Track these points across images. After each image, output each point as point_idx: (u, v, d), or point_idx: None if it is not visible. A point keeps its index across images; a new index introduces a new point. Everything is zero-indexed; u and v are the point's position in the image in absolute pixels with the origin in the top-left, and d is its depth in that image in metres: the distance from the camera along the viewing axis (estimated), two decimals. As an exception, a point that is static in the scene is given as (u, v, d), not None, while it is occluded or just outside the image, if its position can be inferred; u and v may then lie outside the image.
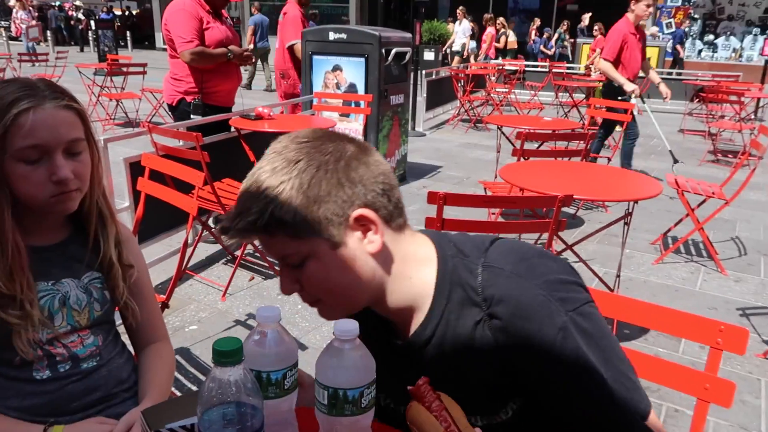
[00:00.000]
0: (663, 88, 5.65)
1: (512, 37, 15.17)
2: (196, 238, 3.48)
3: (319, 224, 0.83)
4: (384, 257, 0.89)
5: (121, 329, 1.36)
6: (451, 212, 2.21)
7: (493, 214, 3.55)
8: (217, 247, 3.81)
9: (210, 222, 3.89)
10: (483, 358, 0.87)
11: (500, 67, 11.31)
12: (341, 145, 0.86)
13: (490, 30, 13.29)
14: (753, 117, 9.52)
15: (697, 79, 11.11)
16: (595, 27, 13.33)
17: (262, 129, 3.76)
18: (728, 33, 17.56)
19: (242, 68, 4.30)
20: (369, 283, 0.89)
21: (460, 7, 14.39)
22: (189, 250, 3.53)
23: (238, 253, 3.45)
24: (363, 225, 0.86)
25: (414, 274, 0.92)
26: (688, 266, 3.92)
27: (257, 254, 3.66)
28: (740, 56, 17.49)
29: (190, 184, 2.52)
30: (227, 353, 0.70)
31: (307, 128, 0.91)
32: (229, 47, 3.87)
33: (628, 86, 5.21)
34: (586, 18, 15.14)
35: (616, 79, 5.25)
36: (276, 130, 3.76)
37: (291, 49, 5.54)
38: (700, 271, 3.85)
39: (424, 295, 0.91)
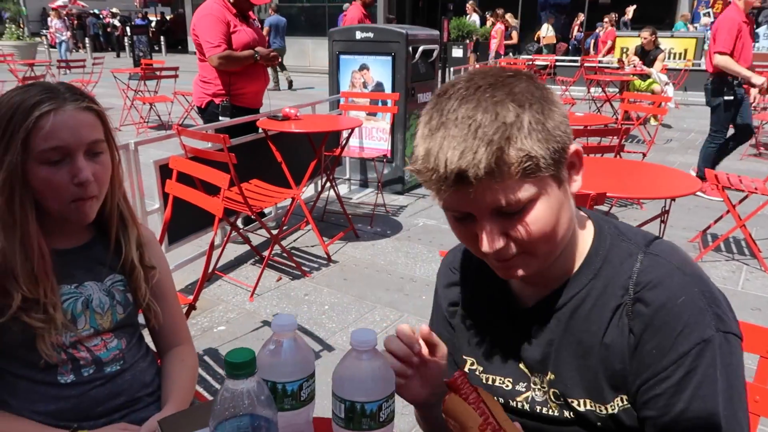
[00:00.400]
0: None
1: (550, 32, 14.93)
2: (225, 238, 3.50)
3: (558, 158, 0.78)
4: (572, 205, 0.86)
5: (146, 332, 1.36)
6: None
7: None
8: (246, 247, 3.82)
9: (239, 222, 3.92)
10: (610, 342, 0.84)
11: (530, 63, 11.15)
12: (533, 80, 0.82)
13: (498, 26, 13.03)
14: (797, 108, 9.15)
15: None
16: (605, 19, 13.04)
17: (289, 129, 3.76)
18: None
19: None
20: (570, 227, 0.85)
21: (470, 2, 14.10)
22: (217, 251, 3.56)
23: (265, 253, 3.45)
24: (572, 162, 0.83)
25: (576, 235, 0.89)
26: (729, 265, 3.77)
27: (284, 254, 3.66)
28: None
29: (217, 186, 2.53)
30: (239, 365, 0.68)
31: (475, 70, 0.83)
32: (256, 49, 3.89)
33: (757, 79, 4.76)
34: (630, 11, 14.82)
35: (740, 72, 4.78)
36: (303, 131, 3.76)
37: None
38: (742, 270, 3.70)
39: (573, 261, 0.89)
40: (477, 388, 0.77)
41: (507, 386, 0.95)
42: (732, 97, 4.87)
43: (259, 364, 0.78)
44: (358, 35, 5.07)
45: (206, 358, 2.67)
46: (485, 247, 0.78)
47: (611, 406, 0.85)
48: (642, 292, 0.82)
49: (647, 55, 8.69)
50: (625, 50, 12.30)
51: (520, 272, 0.83)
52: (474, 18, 14.01)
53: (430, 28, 5.66)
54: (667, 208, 3.05)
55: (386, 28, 5.16)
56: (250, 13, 4.05)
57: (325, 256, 3.81)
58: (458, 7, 19.25)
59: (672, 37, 13.14)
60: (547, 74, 10.50)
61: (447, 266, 1.07)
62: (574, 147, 0.81)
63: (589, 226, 0.91)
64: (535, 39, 15.92)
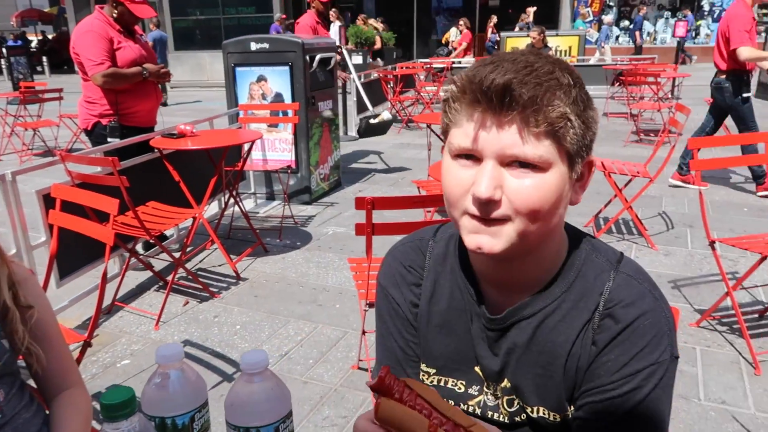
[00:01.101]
0: None
1: (459, 36, 15.31)
2: (123, 266, 3.31)
3: (581, 147, 0.79)
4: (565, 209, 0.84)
5: (30, 378, 1.25)
6: (390, 214, 2.17)
7: (429, 212, 3.55)
8: (148, 274, 3.63)
9: (138, 248, 3.72)
10: (575, 355, 0.85)
11: (428, 66, 11.42)
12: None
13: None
14: (670, 96, 9.97)
15: (616, 64, 11.56)
16: (461, 22, 13.65)
17: (186, 147, 3.61)
18: (642, 18, 18.42)
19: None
20: (556, 227, 0.84)
21: (333, 9, 14.00)
22: (116, 281, 3.37)
23: (169, 278, 3.29)
24: (582, 172, 0.83)
25: (554, 243, 0.88)
26: (620, 245, 4.03)
27: (190, 277, 3.51)
28: (654, 39, 18.37)
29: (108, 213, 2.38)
30: (115, 406, 0.63)
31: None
32: (144, 65, 3.72)
33: None
34: (530, 12, 15.53)
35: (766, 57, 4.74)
36: (200, 147, 3.63)
37: None
38: (632, 248, 3.97)
39: (547, 269, 0.88)
40: (406, 382, 0.70)
41: (459, 389, 0.94)
42: (749, 93, 4.81)
43: (145, 400, 0.73)
44: (253, 46, 4.98)
45: (111, 395, 2.50)
46: (482, 188, 0.75)
47: (566, 415, 0.88)
48: (614, 309, 0.84)
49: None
50: (515, 49, 12.90)
51: (490, 243, 0.78)
52: (336, 26, 13.75)
53: (326, 36, 5.67)
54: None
55: (282, 38, 5.10)
56: (136, 28, 3.87)
57: (234, 274, 3.69)
58: (355, 15, 19.42)
59: (557, 35, 13.94)
60: (445, 76, 10.80)
61: (401, 265, 1.00)
62: (593, 156, 0.83)
63: (564, 236, 0.91)
64: (444, 42, 16.28)
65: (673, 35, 15.29)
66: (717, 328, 2.94)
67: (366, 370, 2.65)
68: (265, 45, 4.97)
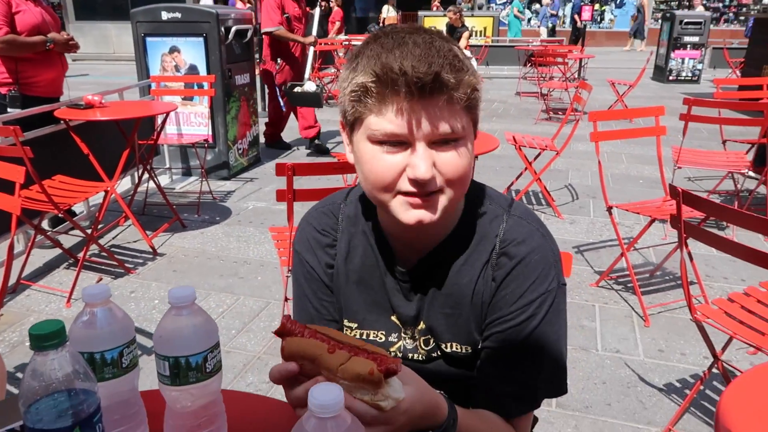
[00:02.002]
0: None
1: (391, 13, 15.26)
2: (29, 244, 3.15)
3: (479, 105, 0.86)
4: None
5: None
6: (310, 186, 2.20)
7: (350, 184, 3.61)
8: (56, 251, 3.47)
9: (44, 225, 3.54)
10: (479, 292, 0.95)
11: (347, 43, 11.37)
12: None
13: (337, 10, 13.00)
14: (576, 76, 10.51)
15: (528, 45, 12.01)
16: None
17: (95, 118, 3.46)
18: (552, 1, 19.11)
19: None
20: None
21: None
22: (21, 259, 3.20)
23: (81, 255, 3.17)
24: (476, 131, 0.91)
25: None
26: (530, 215, 4.26)
27: (103, 254, 3.40)
28: (564, 23, 19.17)
29: (11, 181, 2.27)
30: (46, 336, 0.64)
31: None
32: (49, 35, 3.50)
33: None
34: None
35: None
36: (110, 118, 3.49)
37: (270, 35, 5.44)
38: (541, 218, 4.20)
39: (451, 223, 0.95)
40: (306, 325, 0.77)
41: (380, 339, 1.01)
42: None
43: (73, 338, 0.75)
44: (165, 15, 4.79)
45: (20, 375, 2.41)
46: (421, 172, 0.80)
47: (476, 346, 0.97)
48: (507, 248, 0.94)
49: (454, 32, 9.35)
50: (433, 29, 13.09)
51: (429, 216, 0.85)
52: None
53: (242, 8, 5.53)
54: (473, 167, 3.36)
55: (195, 8, 4.94)
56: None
57: (150, 250, 3.60)
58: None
59: (473, 16, 14.26)
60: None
61: (314, 230, 1.04)
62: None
63: None
64: (380, 22, 16.17)
65: (580, 19, 16.02)
66: (613, 287, 3.20)
67: (289, 337, 2.69)
68: (177, 14, 4.80)
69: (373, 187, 0.86)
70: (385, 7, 15.83)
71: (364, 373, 0.69)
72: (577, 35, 16.48)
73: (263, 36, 5.58)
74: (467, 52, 9.50)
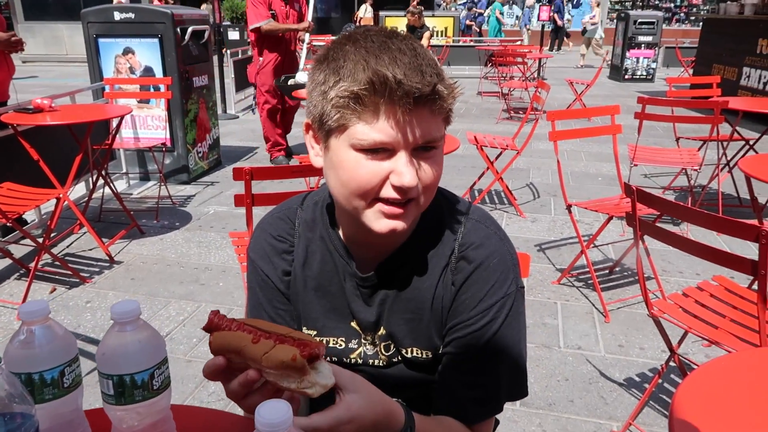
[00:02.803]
0: None
1: (369, 13, 15.10)
2: (-23, 254, 3.02)
3: (451, 114, 0.86)
4: None
5: None
6: (271, 190, 2.17)
7: (312, 187, 3.58)
8: (6, 262, 3.34)
9: (-7, 234, 3.41)
10: (439, 296, 0.94)
11: (308, 44, 11.29)
12: None
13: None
14: (536, 76, 10.68)
15: (488, 45, 12.15)
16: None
17: (44, 122, 3.34)
18: (511, 2, 19.38)
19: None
20: None
21: None
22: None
23: (32, 265, 3.05)
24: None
25: None
26: (493, 214, 4.30)
27: (56, 263, 3.28)
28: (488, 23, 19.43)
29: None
30: (-25, 359, 0.61)
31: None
32: (-10, 33, 3.37)
33: None
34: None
35: None
36: (61, 122, 3.37)
37: (257, 30, 5.16)
38: (503, 217, 4.26)
39: (410, 227, 0.93)
40: (234, 319, 0.76)
41: (341, 345, 0.99)
42: None
43: (9, 358, 0.71)
44: (117, 16, 4.67)
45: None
46: (407, 180, 0.80)
47: (436, 351, 0.96)
48: (466, 251, 0.93)
49: (415, 32, 9.37)
50: (394, 29, 13.12)
51: (401, 224, 0.85)
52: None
53: (198, 9, 5.42)
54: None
55: (149, 8, 4.83)
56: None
57: (107, 257, 3.50)
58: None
59: (433, 16, 14.35)
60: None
61: (269, 236, 1.02)
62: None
63: None
64: (355, 20, 16.04)
65: (539, 19, 16.28)
66: (574, 284, 3.26)
67: (252, 343, 2.64)
68: (131, 15, 4.68)
69: (351, 193, 0.84)
70: (363, 7, 15.70)
71: (287, 359, 0.68)
72: (558, 35, 16.78)
73: (249, 34, 5.35)
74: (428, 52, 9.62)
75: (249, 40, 5.54)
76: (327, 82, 0.81)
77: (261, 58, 5.37)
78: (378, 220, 0.85)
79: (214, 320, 0.75)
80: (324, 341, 1.00)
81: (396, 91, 0.76)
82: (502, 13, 17.50)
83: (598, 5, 14.99)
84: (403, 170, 0.80)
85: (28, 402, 0.66)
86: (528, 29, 17.59)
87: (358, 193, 0.84)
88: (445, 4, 18.01)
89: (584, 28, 14.72)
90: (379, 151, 0.81)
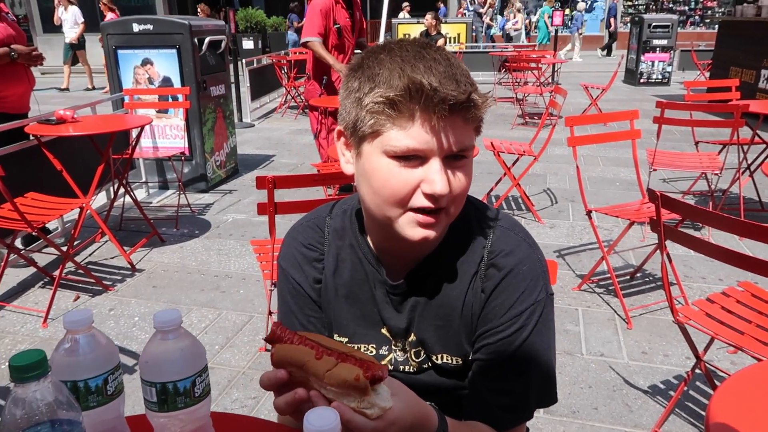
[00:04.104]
0: None
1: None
2: (2, 263, 3.07)
3: (482, 124, 0.86)
4: None
5: None
6: (289, 198, 2.19)
7: (330, 194, 3.59)
8: (30, 270, 3.39)
9: (18, 244, 3.46)
10: (469, 303, 0.94)
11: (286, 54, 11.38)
12: None
13: (110, 15, 10.80)
14: (551, 81, 10.65)
15: (502, 51, 12.14)
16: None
17: (67, 133, 3.39)
18: (524, 8, 19.35)
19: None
20: None
21: None
22: (-5, 278, 3.12)
23: (56, 273, 3.09)
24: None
25: None
26: (510, 220, 4.28)
27: (79, 271, 3.32)
28: (536, 28, 19.41)
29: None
30: (27, 367, 0.62)
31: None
32: (13, 46, 3.44)
33: None
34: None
35: None
36: (83, 133, 3.43)
37: (304, 45, 4.58)
38: (521, 223, 4.23)
39: (439, 235, 0.93)
40: (296, 332, 0.77)
41: (371, 352, 1.00)
42: None
43: (54, 366, 0.72)
44: (136, 28, 4.74)
45: (-4, 398, 2.34)
46: (439, 188, 0.81)
47: (466, 357, 0.97)
48: (496, 259, 0.93)
49: (430, 39, 9.40)
50: (407, 36, 13.18)
51: (432, 233, 0.86)
52: (74, 10, 11.67)
53: (215, 19, 5.48)
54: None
55: (167, 20, 4.89)
56: (2, 5, 3.56)
57: (129, 266, 3.53)
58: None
59: (446, 23, 14.36)
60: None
61: (300, 244, 1.03)
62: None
63: None
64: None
65: (552, 24, 16.26)
66: (595, 290, 3.23)
67: (273, 351, 2.65)
68: (149, 26, 4.74)
69: (384, 201, 0.85)
70: (401, 14, 15.66)
71: (350, 379, 0.68)
72: (611, 40, 16.78)
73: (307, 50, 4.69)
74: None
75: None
76: (362, 89, 0.82)
77: (324, 78, 4.71)
78: (412, 229, 0.86)
79: (276, 332, 0.76)
80: (355, 347, 1.00)
81: (432, 98, 0.77)
82: (550, 17, 17.52)
83: (519, 12, 15.08)
84: (435, 178, 0.81)
85: (76, 409, 0.67)
86: (580, 34, 17.45)
87: (390, 201, 0.84)
88: (483, 10, 17.99)
89: (508, 34, 14.76)
90: (412, 158, 0.81)
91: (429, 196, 0.82)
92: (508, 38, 15.53)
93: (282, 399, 0.73)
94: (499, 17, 18.86)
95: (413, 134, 0.80)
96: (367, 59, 0.85)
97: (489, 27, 18.30)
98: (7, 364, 2.57)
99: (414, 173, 0.82)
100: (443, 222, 0.87)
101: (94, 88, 12.30)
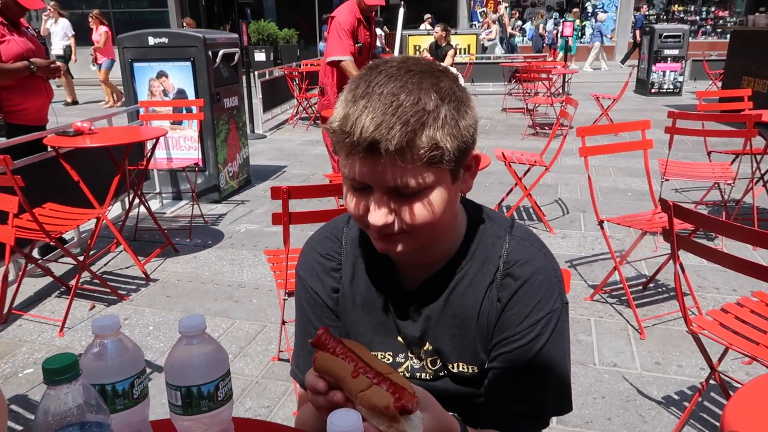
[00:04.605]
0: None
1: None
2: (20, 273, 3.12)
3: (460, 156, 0.83)
4: (458, 201, 0.94)
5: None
6: (300, 208, 2.21)
7: (342, 205, 3.62)
8: (47, 280, 3.44)
9: (35, 254, 3.52)
10: (484, 313, 0.96)
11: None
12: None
13: (102, 29, 11.19)
14: (561, 91, 10.66)
15: (512, 62, 12.18)
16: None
17: (84, 145, 3.45)
18: (533, 18, 19.42)
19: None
20: (452, 221, 0.93)
21: (52, 2, 11.57)
22: (13, 288, 3.17)
23: (72, 282, 3.14)
24: (470, 164, 0.89)
25: (458, 224, 0.98)
26: (522, 230, 4.28)
27: (95, 281, 3.37)
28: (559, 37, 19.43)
29: (3, 213, 2.25)
30: (60, 370, 0.64)
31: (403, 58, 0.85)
32: (32, 60, 3.51)
33: None
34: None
35: None
36: (100, 144, 3.48)
37: (335, 64, 4.50)
38: (532, 233, 4.23)
39: (452, 244, 0.97)
40: (342, 340, 0.79)
41: (388, 360, 1.02)
42: None
43: (85, 370, 0.75)
44: (151, 41, 4.82)
45: (14, 407, 2.37)
46: (374, 219, 0.82)
47: (482, 366, 0.98)
48: (512, 269, 0.95)
49: (439, 50, 9.46)
50: (418, 48, 13.28)
51: (399, 248, 0.88)
52: (63, 22, 11.54)
53: (228, 32, 5.57)
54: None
55: (182, 33, 4.97)
56: (22, 20, 3.64)
57: (143, 275, 3.57)
58: (256, 11, 19.06)
59: (456, 34, 14.44)
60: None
61: (318, 254, 1.05)
62: (475, 151, 0.89)
63: (462, 211, 0.99)
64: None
65: (562, 35, 16.31)
66: (608, 301, 3.22)
67: (287, 360, 2.67)
68: (164, 39, 4.82)
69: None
70: (423, 26, 15.68)
71: (380, 406, 0.70)
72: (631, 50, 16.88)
73: (325, 67, 4.63)
74: (453, 70, 9.67)
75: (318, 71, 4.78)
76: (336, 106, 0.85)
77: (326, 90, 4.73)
78: (375, 242, 0.90)
79: (322, 337, 0.78)
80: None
81: (352, 135, 0.77)
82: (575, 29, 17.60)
83: (494, 23, 15.09)
84: (372, 209, 0.83)
85: (105, 411, 0.69)
86: (604, 41, 17.44)
87: (354, 217, 0.89)
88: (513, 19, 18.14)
89: (483, 44, 14.75)
90: (362, 185, 0.84)
91: (368, 226, 0.86)
92: (483, 49, 15.46)
93: (322, 398, 0.76)
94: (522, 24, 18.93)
95: (353, 166, 0.81)
96: (358, 77, 0.84)
97: (512, 36, 18.37)
98: (24, 372, 2.61)
99: (364, 199, 0.85)
100: (406, 242, 0.87)
101: (75, 103, 11.95)
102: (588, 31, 19.37)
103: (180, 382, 0.73)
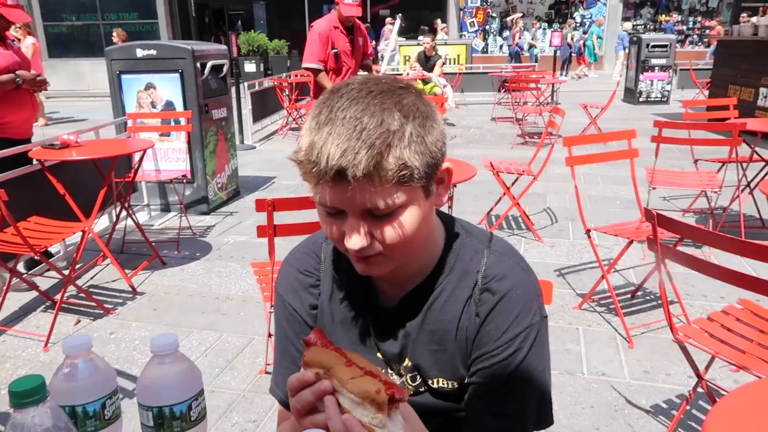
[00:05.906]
0: None
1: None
2: (4, 287, 3.08)
3: (431, 171, 0.82)
4: (434, 216, 0.94)
5: None
6: (289, 219, 2.20)
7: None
8: (32, 294, 3.40)
9: (20, 268, 3.48)
10: (463, 328, 0.95)
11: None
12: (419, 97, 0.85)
13: (30, 40, 10.11)
14: (550, 101, 10.73)
15: (501, 72, 12.26)
16: None
17: (70, 157, 3.43)
18: (522, 28, 19.56)
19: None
20: (428, 237, 0.93)
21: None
22: (-3, 302, 3.13)
23: (58, 297, 3.10)
24: (442, 178, 0.88)
25: (434, 238, 0.97)
26: (511, 239, 4.30)
27: (81, 295, 3.33)
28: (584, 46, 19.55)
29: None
30: (26, 393, 0.63)
31: (363, 78, 0.84)
32: (18, 72, 3.49)
33: None
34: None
35: None
36: (86, 157, 3.46)
37: (308, 70, 4.76)
38: (521, 242, 4.25)
39: (429, 260, 0.97)
40: (336, 346, 0.79)
41: None
42: None
43: (53, 391, 0.73)
44: (140, 53, 4.81)
45: (-3, 423, 2.33)
46: (351, 243, 0.82)
47: (462, 381, 0.97)
48: (490, 283, 0.94)
49: (428, 60, 9.51)
50: (407, 57, 13.33)
51: (376, 270, 0.88)
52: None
53: (217, 43, 5.57)
54: (450, 194, 3.39)
55: (170, 45, 4.97)
56: (8, 33, 3.62)
57: (130, 289, 3.54)
58: (246, 22, 19.11)
59: (446, 44, 14.52)
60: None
61: (297, 271, 1.04)
62: (446, 165, 0.88)
63: (439, 225, 0.98)
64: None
65: (550, 45, 16.44)
66: (596, 309, 3.23)
67: (274, 373, 2.65)
68: (153, 51, 4.81)
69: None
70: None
71: (371, 390, 0.70)
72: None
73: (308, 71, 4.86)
74: (441, 80, 9.67)
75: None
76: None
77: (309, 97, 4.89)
78: (353, 263, 0.90)
79: (313, 337, 0.80)
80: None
81: (325, 166, 0.76)
82: (599, 38, 17.74)
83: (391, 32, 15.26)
84: (348, 233, 0.82)
85: (73, 434, 0.68)
86: (626, 50, 17.49)
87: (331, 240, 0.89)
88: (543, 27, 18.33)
89: (381, 55, 14.85)
90: (336, 212, 0.83)
91: (347, 250, 0.85)
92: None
93: (308, 391, 0.75)
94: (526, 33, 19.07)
95: (324, 193, 0.80)
96: (321, 102, 0.83)
97: (531, 47, 18.50)
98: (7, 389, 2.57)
99: (339, 223, 0.84)
100: (387, 263, 0.87)
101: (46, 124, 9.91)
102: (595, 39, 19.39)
103: (152, 402, 0.72)
